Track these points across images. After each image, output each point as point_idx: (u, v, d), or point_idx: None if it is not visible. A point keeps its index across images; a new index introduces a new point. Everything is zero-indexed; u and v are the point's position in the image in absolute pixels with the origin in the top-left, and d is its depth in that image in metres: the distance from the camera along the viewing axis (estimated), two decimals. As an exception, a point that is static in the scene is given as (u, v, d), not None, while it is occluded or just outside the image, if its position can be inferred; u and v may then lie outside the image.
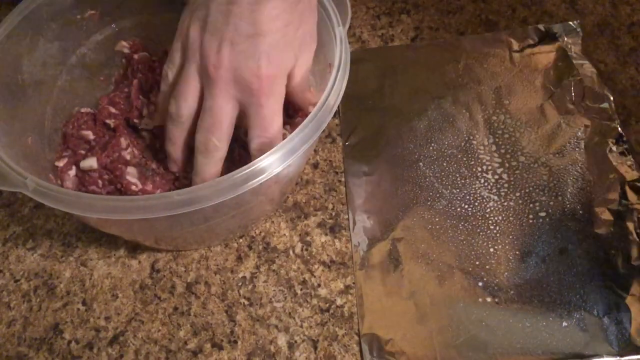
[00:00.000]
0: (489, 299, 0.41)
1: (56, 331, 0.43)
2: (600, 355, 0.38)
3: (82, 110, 0.48)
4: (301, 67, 0.39)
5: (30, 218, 0.49)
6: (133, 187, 0.43)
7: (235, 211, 0.40)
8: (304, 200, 0.48)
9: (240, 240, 0.46)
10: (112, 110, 0.47)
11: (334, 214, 0.47)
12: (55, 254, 0.46)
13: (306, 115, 0.36)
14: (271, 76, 0.37)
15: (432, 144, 0.49)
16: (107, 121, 0.46)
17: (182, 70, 0.38)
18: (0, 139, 0.38)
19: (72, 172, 0.44)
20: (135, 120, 0.47)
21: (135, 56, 0.49)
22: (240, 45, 0.36)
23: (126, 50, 0.49)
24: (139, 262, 0.46)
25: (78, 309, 0.44)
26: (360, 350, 0.40)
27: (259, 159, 0.34)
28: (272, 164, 0.34)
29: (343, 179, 0.48)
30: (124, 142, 0.44)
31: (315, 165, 0.50)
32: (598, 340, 0.38)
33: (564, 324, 0.39)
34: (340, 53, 0.39)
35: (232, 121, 0.38)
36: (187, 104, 0.39)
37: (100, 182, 0.43)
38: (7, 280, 0.45)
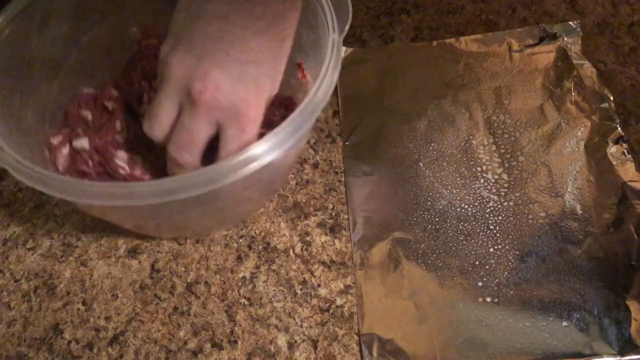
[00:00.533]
0: (489, 299, 0.41)
1: (56, 331, 0.43)
2: (600, 355, 0.38)
3: (85, 90, 0.47)
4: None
5: (30, 218, 0.49)
6: (120, 171, 0.42)
7: (229, 197, 0.39)
8: (304, 200, 0.48)
9: (241, 240, 0.46)
10: (114, 93, 0.46)
11: (334, 214, 0.47)
12: (55, 254, 0.46)
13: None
14: (259, 103, 0.37)
15: (432, 144, 0.49)
16: (106, 103, 0.46)
17: (159, 90, 0.38)
18: None
19: (66, 149, 0.44)
20: (135, 106, 0.46)
21: (144, 42, 0.49)
22: (230, 70, 0.36)
23: (137, 35, 0.49)
24: (139, 262, 0.46)
25: (78, 309, 0.44)
26: (360, 350, 0.40)
27: (248, 147, 0.33)
28: (261, 153, 0.33)
29: (343, 179, 0.48)
30: (118, 125, 0.44)
31: (315, 165, 0.50)
32: (598, 340, 0.38)
33: (564, 324, 0.39)
34: (332, 45, 0.38)
35: (207, 140, 0.38)
36: (160, 125, 0.39)
37: (90, 162, 0.43)
38: (7, 280, 0.45)
